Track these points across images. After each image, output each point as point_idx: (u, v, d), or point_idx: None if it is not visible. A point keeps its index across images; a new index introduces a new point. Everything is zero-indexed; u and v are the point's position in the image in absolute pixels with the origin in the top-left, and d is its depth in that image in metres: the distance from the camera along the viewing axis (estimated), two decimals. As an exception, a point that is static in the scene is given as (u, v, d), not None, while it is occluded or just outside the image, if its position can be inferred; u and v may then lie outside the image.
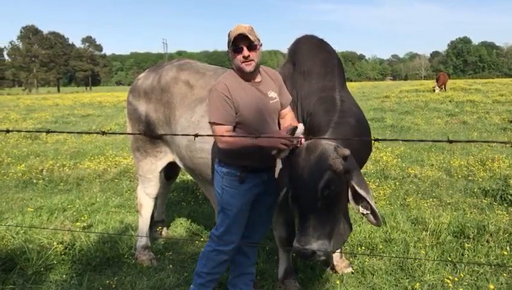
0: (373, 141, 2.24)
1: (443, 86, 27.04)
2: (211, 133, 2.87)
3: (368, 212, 2.65)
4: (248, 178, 2.86)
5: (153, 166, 4.14)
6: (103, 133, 2.31)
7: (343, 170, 2.57)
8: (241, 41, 2.76)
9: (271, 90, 2.95)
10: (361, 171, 7.15)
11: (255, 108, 2.83)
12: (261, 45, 2.87)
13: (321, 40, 3.57)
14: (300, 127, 2.71)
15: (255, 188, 2.92)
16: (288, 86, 3.33)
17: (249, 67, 2.81)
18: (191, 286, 3.20)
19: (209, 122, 2.85)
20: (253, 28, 2.81)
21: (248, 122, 2.82)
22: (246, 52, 2.77)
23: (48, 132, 2.26)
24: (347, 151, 2.56)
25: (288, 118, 3.06)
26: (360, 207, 2.66)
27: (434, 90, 26.01)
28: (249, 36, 2.74)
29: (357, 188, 2.59)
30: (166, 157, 4.10)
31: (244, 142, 2.70)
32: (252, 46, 2.78)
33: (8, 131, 2.24)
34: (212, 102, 2.82)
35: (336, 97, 3.17)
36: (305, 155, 2.62)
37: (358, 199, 2.64)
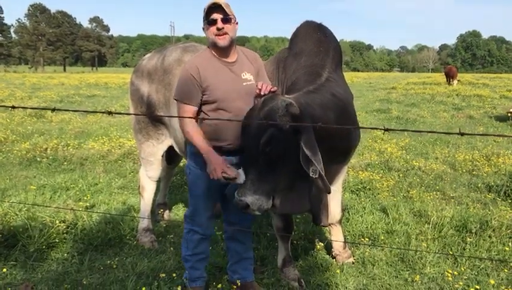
0: (380, 131, 2.20)
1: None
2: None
3: (316, 176, 2.52)
4: None
5: (154, 149, 4.12)
6: (109, 112, 2.29)
7: (290, 128, 2.49)
8: (215, 12, 2.71)
9: (246, 72, 2.87)
10: (365, 161, 7.14)
11: (225, 88, 2.77)
12: (236, 23, 2.82)
13: (319, 24, 3.49)
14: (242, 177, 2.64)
15: None
16: (280, 69, 3.26)
17: (222, 41, 2.74)
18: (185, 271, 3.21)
19: (173, 98, 2.91)
20: (229, 4, 2.76)
21: (218, 102, 2.76)
22: (220, 23, 2.71)
23: (53, 109, 2.25)
24: (297, 110, 2.48)
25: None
26: (310, 171, 2.52)
27: (453, 84, 25.48)
28: (223, 7, 2.69)
29: (303, 147, 2.47)
30: (167, 140, 4.08)
31: (195, 134, 2.72)
32: (226, 19, 2.72)
33: (13, 107, 2.22)
34: (180, 79, 2.85)
35: (323, 74, 3.08)
36: (258, 108, 2.59)
37: (308, 161, 2.50)
